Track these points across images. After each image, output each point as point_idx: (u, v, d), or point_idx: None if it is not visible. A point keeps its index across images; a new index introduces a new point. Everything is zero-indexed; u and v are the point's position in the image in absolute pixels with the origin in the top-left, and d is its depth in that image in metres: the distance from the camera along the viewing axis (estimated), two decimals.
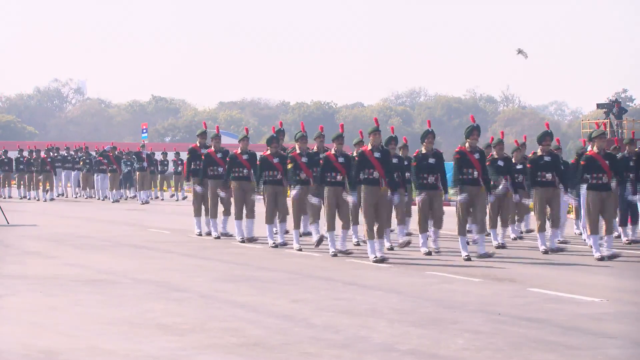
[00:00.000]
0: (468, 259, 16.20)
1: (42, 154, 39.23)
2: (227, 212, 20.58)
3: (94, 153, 41.04)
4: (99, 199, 38.94)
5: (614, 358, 8.74)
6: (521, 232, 20.81)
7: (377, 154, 16.27)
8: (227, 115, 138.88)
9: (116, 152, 38.95)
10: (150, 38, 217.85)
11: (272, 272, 14.59)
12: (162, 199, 39.85)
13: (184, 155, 43.86)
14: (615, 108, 45.13)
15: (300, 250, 17.62)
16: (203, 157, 20.57)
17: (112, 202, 37.00)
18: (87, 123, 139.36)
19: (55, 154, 41.16)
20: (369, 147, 16.37)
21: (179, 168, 40.15)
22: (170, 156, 41.54)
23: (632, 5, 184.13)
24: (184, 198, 39.09)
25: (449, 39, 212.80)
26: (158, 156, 42.14)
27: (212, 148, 20.62)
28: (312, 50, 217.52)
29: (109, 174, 38.14)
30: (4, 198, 39.47)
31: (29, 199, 39.09)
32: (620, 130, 43.53)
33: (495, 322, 10.22)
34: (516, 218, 20.45)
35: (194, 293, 12.20)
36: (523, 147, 20.46)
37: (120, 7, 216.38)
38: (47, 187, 38.55)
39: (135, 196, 39.95)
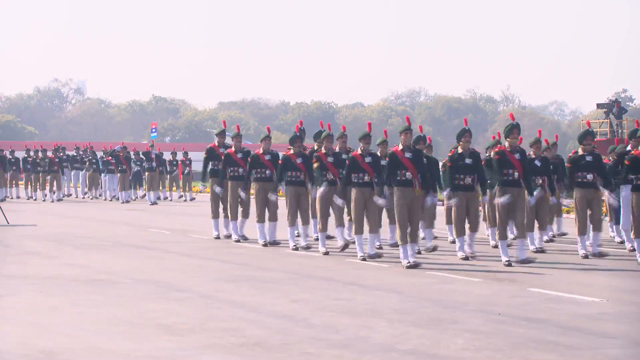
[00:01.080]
0: (509, 264, 15.44)
1: (50, 154, 38.73)
2: (245, 214, 19.86)
3: (100, 153, 40.64)
4: (105, 199, 38.48)
5: (614, 358, 8.75)
6: (553, 235, 20.13)
7: (408, 154, 15.62)
8: (227, 115, 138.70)
9: (126, 152, 38.44)
10: (151, 38, 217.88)
11: (272, 272, 14.59)
12: (171, 200, 39.42)
13: (195, 155, 43.56)
14: (615, 108, 45.16)
15: (326, 253, 16.97)
16: (222, 157, 19.87)
17: (122, 202, 36.44)
18: (87, 123, 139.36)
19: (63, 154, 40.65)
20: (400, 146, 15.70)
21: (187, 169, 39.84)
22: (179, 156, 40.79)
23: (632, 5, 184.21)
24: (192, 199, 38.76)
25: (449, 38, 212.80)
26: (167, 156, 41.61)
27: (233, 148, 19.88)
28: (312, 50, 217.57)
29: (118, 174, 37.74)
30: (11, 198, 39.08)
31: (36, 199, 38.55)
32: (620, 130, 43.56)
33: (495, 322, 10.22)
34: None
35: (194, 293, 12.20)
36: (554, 146, 19.57)
37: (120, 7, 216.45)
38: (54, 188, 38.04)
39: (145, 196, 39.59)
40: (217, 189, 19.93)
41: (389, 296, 12.13)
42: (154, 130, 57.14)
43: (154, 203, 35.49)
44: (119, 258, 16.36)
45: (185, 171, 39.81)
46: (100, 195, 39.83)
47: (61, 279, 13.39)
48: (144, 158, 38.22)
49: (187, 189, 39.83)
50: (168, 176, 40.20)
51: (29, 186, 39.56)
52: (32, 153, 39.59)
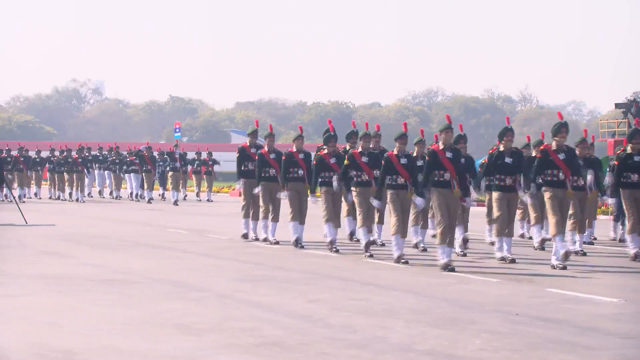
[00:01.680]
0: (562, 267, 15.04)
1: (74, 154, 38.52)
2: (275, 218, 19.11)
3: (125, 153, 40.54)
4: (131, 200, 38.24)
5: (632, 358, 8.71)
6: (592, 238, 19.93)
7: (449, 154, 15.16)
8: (245, 115, 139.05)
9: (151, 152, 38.37)
10: (168, 38, 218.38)
11: (290, 272, 14.59)
12: (200, 200, 39.39)
13: (229, 156, 43.35)
14: (633, 107, 44.94)
15: (371, 256, 16.52)
16: (256, 157, 19.35)
17: (147, 202, 36.48)
18: (105, 123, 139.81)
19: (87, 154, 40.44)
20: (440, 146, 15.23)
21: (209, 169, 39.78)
22: (203, 156, 40.67)
23: None
24: (209, 200, 38.76)
25: (467, 38, 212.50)
26: (190, 155, 41.53)
27: (266, 148, 19.34)
28: (329, 50, 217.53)
29: (142, 174, 37.68)
30: (39, 198, 39.08)
31: (59, 198, 38.32)
32: None
33: (512, 323, 10.19)
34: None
35: (212, 293, 12.21)
36: (592, 146, 19.28)
37: (138, 7, 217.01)
38: (78, 188, 37.75)
39: (163, 194, 39.52)
40: (256, 190, 19.12)
41: (406, 296, 12.11)
42: (177, 130, 56.74)
43: (175, 203, 35.23)
44: (136, 258, 16.39)
45: (209, 170, 39.68)
46: (123, 195, 39.51)
47: (78, 279, 13.42)
48: (168, 158, 38.01)
49: (208, 188, 39.72)
50: (194, 176, 40.02)
51: (53, 186, 39.32)
52: (56, 153, 39.37)
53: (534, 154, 18.02)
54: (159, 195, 40.46)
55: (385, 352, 8.67)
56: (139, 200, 37.80)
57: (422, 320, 10.32)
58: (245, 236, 19.85)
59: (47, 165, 39.53)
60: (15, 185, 37.67)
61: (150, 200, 36.84)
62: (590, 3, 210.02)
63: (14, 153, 38.39)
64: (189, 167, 39.83)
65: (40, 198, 39.48)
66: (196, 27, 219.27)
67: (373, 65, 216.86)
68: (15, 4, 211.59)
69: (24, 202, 35.41)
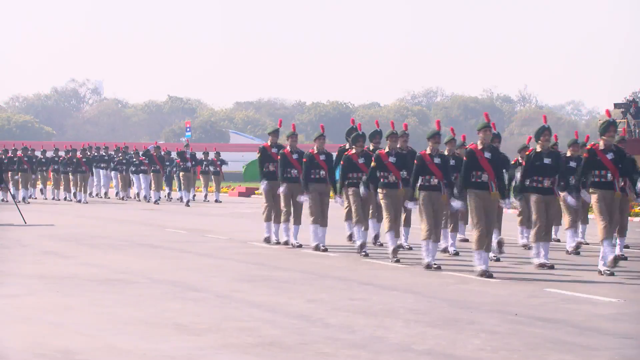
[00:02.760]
0: (611, 274, 14.37)
1: (78, 154, 37.82)
2: (297, 221, 18.48)
3: (131, 153, 39.44)
4: (138, 200, 37.56)
5: (630, 358, 8.73)
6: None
7: (487, 154, 14.39)
8: (244, 115, 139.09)
9: (160, 152, 37.40)
10: (167, 38, 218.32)
11: (289, 272, 14.60)
12: (208, 200, 38.55)
13: (228, 156, 42.93)
14: (632, 108, 44.96)
15: (398, 261, 15.76)
16: (278, 157, 18.56)
17: (154, 202, 35.49)
18: (104, 123, 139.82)
19: (92, 154, 39.75)
20: (479, 145, 14.47)
21: (217, 169, 39.13)
22: (211, 156, 39.69)
23: None
24: (217, 201, 38.23)
25: (466, 38, 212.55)
26: (198, 155, 40.61)
27: (288, 147, 18.53)
28: (328, 50, 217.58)
29: (151, 174, 36.74)
30: (45, 198, 38.73)
31: (67, 200, 37.66)
32: (637, 130, 43.40)
33: (511, 323, 10.21)
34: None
35: (211, 293, 12.22)
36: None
37: (137, 7, 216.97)
38: (82, 188, 37.07)
39: (169, 195, 38.99)
40: (281, 189, 18.45)
41: (405, 296, 12.12)
42: (188, 129, 55.76)
43: (187, 204, 34.47)
44: (136, 258, 16.39)
45: (217, 170, 39.10)
46: (130, 196, 38.91)
47: (78, 279, 13.43)
48: (179, 158, 37.21)
49: (216, 189, 39.19)
50: (201, 176, 39.25)
51: (59, 187, 38.66)
52: (61, 153, 38.69)
53: (568, 153, 17.74)
54: (165, 195, 39.53)
55: (384, 352, 8.68)
56: (149, 201, 36.92)
57: (421, 320, 10.33)
58: (267, 240, 19.08)
59: (51, 165, 38.87)
60: (11, 185, 37.28)
61: (157, 201, 35.73)
62: (589, 3, 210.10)
63: (19, 153, 37.69)
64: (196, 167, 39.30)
65: (46, 198, 39.07)
66: (195, 27, 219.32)
67: (372, 66, 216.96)
68: (14, 4, 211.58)
69: (28, 202, 35.12)
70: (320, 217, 17.73)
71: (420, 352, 8.71)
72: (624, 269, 15.20)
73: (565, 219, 17.88)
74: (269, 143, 19.33)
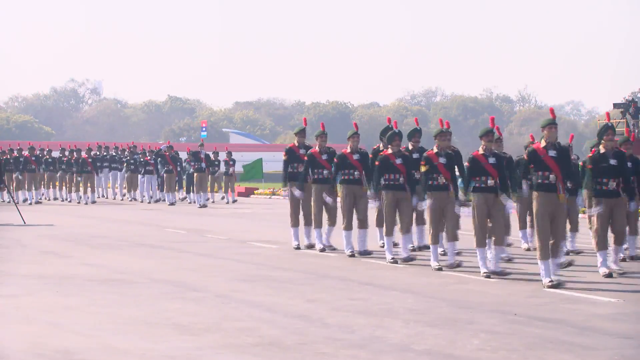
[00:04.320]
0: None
1: (84, 154, 37.04)
2: (332, 222, 17.73)
3: (139, 153, 38.90)
4: (142, 201, 37.08)
5: (630, 358, 8.72)
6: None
7: (552, 153, 13.29)
8: (243, 115, 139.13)
9: (173, 152, 36.49)
10: (167, 38, 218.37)
11: (288, 272, 14.59)
12: (213, 201, 37.78)
13: (241, 156, 42.34)
14: (631, 108, 45.00)
15: (440, 269, 14.83)
16: (305, 158, 17.90)
17: (169, 204, 34.90)
18: (103, 123, 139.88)
19: (99, 154, 39.22)
20: (542, 143, 13.39)
21: (230, 169, 38.34)
22: (222, 156, 38.81)
23: None
24: (234, 201, 37.54)
25: (466, 38, 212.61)
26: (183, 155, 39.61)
27: (317, 147, 17.77)
28: (327, 50, 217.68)
29: (164, 175, 35.96)
30: (49, 199, 38.25)
31: (70, 201, 37.05)
32: (637, 130, 43.41)
33: (511, 323, 10.20)
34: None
35: (210, 293, 12.22)
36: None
37: (136, 7, 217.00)
38: (88, 189, 36.37)
39: (185, 198, 38.30)
40: (297, 192, 17.87)
41: (405, 296, 12.12)
42: (204, 129, 54.44)
43: (203, 205, 33.75)
44: (135, 258, 16.39)
45: (229, 171, 38.40)
46: (137, 197, 38.19)
47: (77, 279, 13.42)
48: (194, 158, 36.29)
49: (229, 190, 38.43)
50: (210, 177, 37.71)
51: (64, 187, 37.99)
52: (67, 153, 38.10)
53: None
54: (180, 198, 38.60)
55: (383, 352, 8.68)
56: (157, 201, 36.61)
57: (420, 320, 10.33)
58: (297, 247, 18.05)
59: (57, 165, 38.20)
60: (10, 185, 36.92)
61: (173, 203, 35.08)
62: (589, 3, 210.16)
63: (25, 153, 37.07)
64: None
65: (49, 199, 38.73)
66: (195, 27, 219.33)
67: (372, 65, 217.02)
68: (13, 4, 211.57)
69: (39, 202, 34.74)
70: (351, 221, 16.85)
71: (420, 352, 8.71)
72: (625, 269, 15.20)
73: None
74: (295, 143, 18.48)
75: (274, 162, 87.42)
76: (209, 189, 37.37)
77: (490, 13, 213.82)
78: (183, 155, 40.15)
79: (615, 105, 48.26)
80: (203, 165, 35.49)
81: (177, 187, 38.21)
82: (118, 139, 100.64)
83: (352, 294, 12.31)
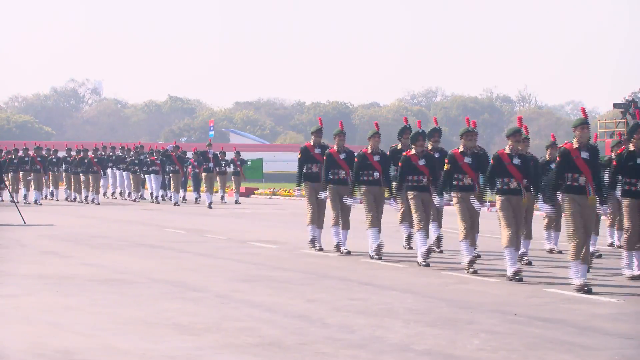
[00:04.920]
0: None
1: (90, 154, 36.70)
2: (346, 226, 17.28)
3: (146, 153, 38.63)
4: (151, 201, 36.84)
5: (630, 358, 8.72)
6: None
7: (584, 154, 12.98)
8: (244, 115, 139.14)
9: (179, 152, 36.33)
10: (167, 38, 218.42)
11: (288, 272, 14.59)
12: (226, 202, 37.47)
13: (247, 155, 41.92)
14: (632, 108, 45.02)
15: (475, 272, 14.39)
16: (321, 158, 17.61)
17: (174, 204, 34.70)
18: (104, 123, 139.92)
19: (105, 154, 38.95)
20: (575, 144, 13.04)
21: (237, 169, 38.13)
22: (228, 156, 38.30)
23: None
24: (237, 202, 37.13)
25: (466, 38, 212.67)
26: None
27: (335, 147, 17.38)
28: (328, 50, 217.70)
29: (170, 175, 35.71)
30: (56, 200, 37.98)
31: (77, 201, 36.78)
32: None
33: (511, 323, 10.20)
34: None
35: (210, 293, 12.21)
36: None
37: (136, 7, 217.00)
38: (94, 189, 36.04)
39: (198, 198, 37.88)
40: (322, 195, 17.48)
41: (405, 296, 12.12)
42: (211, 128, 53.93)
43: (209, 206, 33.37)
44: (135, 258, 16.38)
45: (237, 170, 38.25)
46: (144, 197, 38.14)
47: (77, 279, 13.42)
48: (202, 158, 36.07)
49: (235, 190, 38.21)
50: (218, 177, 37.28)
51: (71, 187, 37.61)
52: (73, 153, 37.81)
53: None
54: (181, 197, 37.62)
55: (383, 352, 8.68)
56: (159, 202, 36.37)
57: (420, 320, 10.32)
58: (312, 243, 17.84)
59: (62, 165, 37.98)
60: (22, 186, 36.43)
61: (177, 203, 34.82)
62: (589, 3, 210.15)
63: (31, 153, 36.68)
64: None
65: (58, 200, 38.44)
66: (195, 27, 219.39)
67: (372, 66, 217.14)
68: (13, 4, 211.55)
69: (41, 204, 34.62)
70: (377, 221, 16.44)
71: (420, 352, 8.70)
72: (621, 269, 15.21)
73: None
74: (311, 143, 18.13)
75: (274, 162, 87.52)
76: (216, 188, 36.88)
77: (490, 13, 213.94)
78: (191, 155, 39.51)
79: (615, 105, 48.31)
80: (211, 165, 35.39)
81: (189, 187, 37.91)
82: (118, 139, 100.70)
83: (352, 294, 12.31)
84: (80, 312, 10.70)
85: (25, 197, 35.62)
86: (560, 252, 17.71)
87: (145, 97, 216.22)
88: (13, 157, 37.08)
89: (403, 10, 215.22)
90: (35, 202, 35.22)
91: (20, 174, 36.25)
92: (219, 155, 37.00)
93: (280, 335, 9.42)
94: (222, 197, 37.61)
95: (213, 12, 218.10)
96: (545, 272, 14.82)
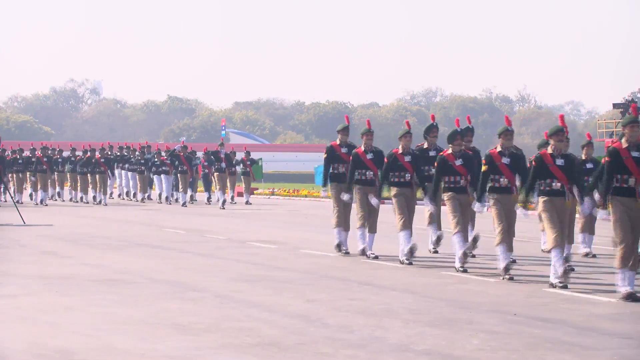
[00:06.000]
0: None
1: (97, 154, 35.92)
2: (372, 229, 16.60)
3: (153, 152, 38.07)
4: (159, 202, 36.45)
5: (630, 358, 8.72)
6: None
7: (635, 154, 12.17)
8: (243, 115, 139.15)
9: (187, 152, 35.83)
10: (166, 38, 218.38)
11: (288, 272, 14.58)
12: (236, 202, 36.84)
13: (258, 155, 41.61)
14: (631, 108, 45.04)
15: (511, 279, 13.70)
16: (347, 157, 16.98)
17: (182, 205, 34.25)
18: (103, 123, 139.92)
19: (112, 154, 38.41)
20: (624, 144, 12.24)
21: (247, 169, 37.77)
22: (239, 156, 37.81)
23: None
24: (246, 202, 36.61)
25: (466, 38, 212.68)
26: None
27: (362, 147, 16.76)
28: (327, 50, 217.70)
29: (179, 175, 35.22)
30: (61, 200, 37.65)
31: (84, 201, 36.38)
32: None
33: (510, 323, 10.20)
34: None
35: (210, 293, 12.21)
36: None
37: (135, 8, 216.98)
38: (101, 189, 35.32)
39: (209, 198, 37.23)
40: (346, 197, 16.79)
41: (404, 296, 12.11)
42: (223, 127, 52.91)
43: (222, 206, 32.85)
44: (135, 258, 16.38)
45: (247, 170, 37.88)
46: (150, 197, 37.82)
47: (77, 279, 13.42)
48: (213, 158, 35.57)
49: (245, 190, 37.88)
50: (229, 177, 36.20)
51: (76, 188, 37.28)
52: (78, 153, 37.34)
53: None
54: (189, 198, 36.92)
55: (383, 352, 8.68)
56: (170, 203, 35.89)
57: (420, 320, 10.32)
58: (338, 247, 17.11)
59: (66, 165, 37.60)
60: (29, 186, 36.14)
61: (185, 204, 34.32)
62: (589, 3, 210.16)
63: (37, 153, 36.33)
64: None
65: (63, 200, 38.20)
66: (194, 27, 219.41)
67: (371, 66, 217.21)
68: (13, 4, 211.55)
69: (46, 205, 34.32)
70: (409, 222, 15.77)
71: (419, 352, 8.70)
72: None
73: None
74: (337, 142, 17.48)
75: (274, 162, 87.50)
76: (227, 188, 36.37)
77: (490, 13, 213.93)
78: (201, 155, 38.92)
79: (615, 106, 48.34)
80: (223, 165, 34.95)
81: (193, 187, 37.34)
82: (118, 139, 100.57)
83: (351, 294, 12.31)
84: (80, 312, 10.70)
85: (31, 197, 35.43)
86: (594, 256, 17.22)
87: (145, 97, 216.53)
88: (18, 157, 36.80)
89: (403, 10, 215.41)
90: (42, 202, 34.92)
91: (27, 174, 36.09)
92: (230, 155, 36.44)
93: (279, 335, 9.42)
94: (232, 198, 36.96)
95: (212, 12, 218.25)
96: (592, 279, 14.76)
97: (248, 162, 38.35)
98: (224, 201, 33.32)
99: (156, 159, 36.85)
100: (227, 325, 9.92)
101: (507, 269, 13.83)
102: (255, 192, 46.46)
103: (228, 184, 36.16)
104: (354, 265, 15.69)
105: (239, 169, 37.99)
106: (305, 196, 43.81)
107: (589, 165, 16.80)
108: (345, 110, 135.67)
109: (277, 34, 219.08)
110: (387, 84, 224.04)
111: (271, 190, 46.80)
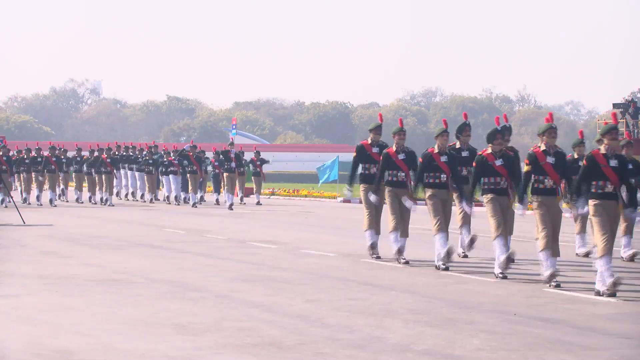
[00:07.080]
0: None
1: (103, 154, 35.50)
2: (404, 232, 15.92)
3: (161, 152, 37.89)
4: (167, 203, 36.09)
5: (630, 358, 8.72)
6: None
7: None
8: (243, 115, 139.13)
9: (196, 152, 35.35)
10: (166, 38, 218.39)
11: (287, 272, 14.58)
12: (245, 203, 36.67)
13: (246, 155, 41.40)
14: (631, 108, 45.02)
15: (558, 286, 13.03)
16: (378, 157, 16.40)
17: (192, 205, 33.88)
18: (103, 123, 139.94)
19: (118, 154, 38.04)
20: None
21: (258, 169, 37.40)
22: (248, 156, 37.36)
23: None
24: (258, 203, 36.17)
25: (466, 38, 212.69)
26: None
27: (393, 147, 16.15)
28: (327, 51, 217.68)
29: (188, 175, 34.82)
30: (65, 201, 37.20)
31: (92, 202, 35.92)
32: (636, 130, 43.41)
33: (510, 323, 10.20)
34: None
35: (210, 293, 12.21)
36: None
37: (135, 7, 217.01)
38: (107, 190, 34.90)
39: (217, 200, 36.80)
40: (372, 197, 16.19)
41: (404, 296, 12.12)
42: (234, 126, 52.35)
43: (230, 207, 32.38)
44: (135, 258, 16.38)
45: (257, 170, 37.53)
46: (158, 198, 37.52)
47: (77, 279, 13.42)
48: (223, 158, 35.09)
49: (256, 191, 37.54)
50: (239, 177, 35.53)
51: (81, 188, 36.89)
52: (84, 153, 37.01)
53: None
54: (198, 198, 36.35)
55: (383, 352, 8.68)
56: (179, 204, 35.39)
57: (420, 320, 10.33)
58: (372, 249, 16.52)
59: (72, 166, 37.00)
60: (35, 187, 35.82)
61: (195, 205, 33.97)
62: (589, 3, 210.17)
63: (46, 153, 35.87)
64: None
65: (67, 201, 37.66)
66: (195, 27, 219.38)
67: (371, 65, 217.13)
68: (13, 4, 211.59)
69: (55, 205, 33.80)
70: (445, 225, 15.15)
71: (419, 352, 8.71)
72: (624, 269, 15.20)
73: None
74: (368, 141, 16.81)
75: (274, 162, 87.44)
76: (237, 189, 35.87)
77: (490, 13, 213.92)
78: (210, 155, 38.61)
79: (615, 106, 48.27)
80: (233, 165, 34.48)
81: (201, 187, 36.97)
82: (117, 139, 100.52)
83: (351, 294, 12.31)
84: (80, 312, 10.70)
85: (37, 197, 35.17)
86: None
87: (145, 97, 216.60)
88: (25, 156, 36.55)
89: (403, 10, 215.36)
90: (50, 202, 34.43)
91: (33, 175, 35.90)
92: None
93: (279, 335, 9.42)
94: (242, 199, 36.62)
95: (212, 12, 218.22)
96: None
97: (258, 162, 37.96)
98: (232, 204, 32.89)
99: (165, 159, 36.58)
100: (227, 325, 9.92)
101: (552, 276, 13.13)
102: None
103: (237, 185, 35.73)
104: (354, 265, 15.69)
105: (250, 169, 37.53)
106: (306, 196, 43.83)
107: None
108: (345, 110, 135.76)
109: (277, 34, 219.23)
110: (387, 84, 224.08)
111: (271, 190, 46.78)
